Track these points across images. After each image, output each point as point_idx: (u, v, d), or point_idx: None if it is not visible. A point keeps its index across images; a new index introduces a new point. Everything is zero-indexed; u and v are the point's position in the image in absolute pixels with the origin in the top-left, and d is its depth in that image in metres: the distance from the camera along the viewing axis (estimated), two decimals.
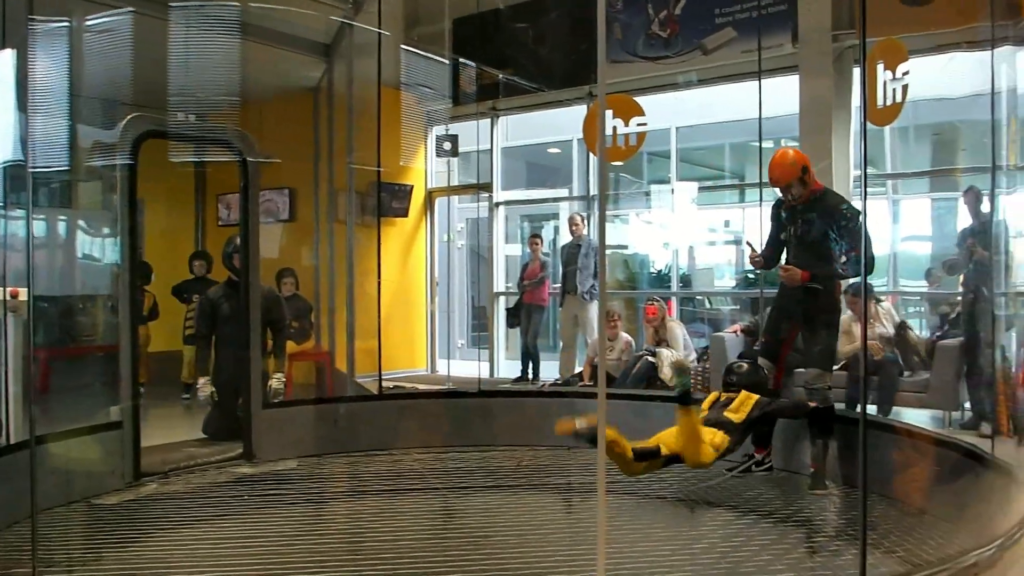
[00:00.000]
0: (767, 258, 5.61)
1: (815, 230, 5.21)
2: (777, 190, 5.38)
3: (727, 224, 11.02)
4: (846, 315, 6.64)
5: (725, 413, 5.05)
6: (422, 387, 8.45)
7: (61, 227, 9.37)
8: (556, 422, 4.41)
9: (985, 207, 6.56)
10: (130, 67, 5.88)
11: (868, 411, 6.20)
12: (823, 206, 5.22)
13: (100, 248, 9.18)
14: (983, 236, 6.47)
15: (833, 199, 5.31)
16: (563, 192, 11.39)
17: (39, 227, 8.70)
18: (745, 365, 5.35)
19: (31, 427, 4.08)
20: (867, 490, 3.94)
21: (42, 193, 8.47)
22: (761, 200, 6.85)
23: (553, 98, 9.87)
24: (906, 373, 7.09)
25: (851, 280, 6.64)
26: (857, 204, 5.40)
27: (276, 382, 6.52)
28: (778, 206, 5.51)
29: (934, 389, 6.82)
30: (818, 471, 5.15)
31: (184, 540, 4.49)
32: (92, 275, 8.95)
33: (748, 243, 5.72)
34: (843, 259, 5.12)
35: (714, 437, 4.86)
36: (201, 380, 6.40)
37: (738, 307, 10.11)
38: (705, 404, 5.21)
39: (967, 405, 6.87)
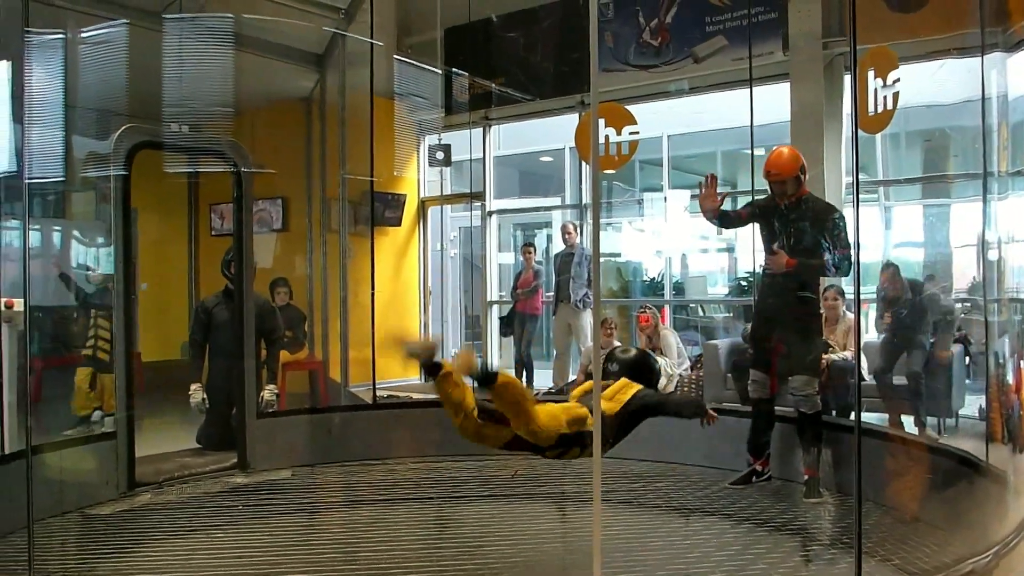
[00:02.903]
0: (726, 213, 5.57)
1: (808, 238, 5.24)
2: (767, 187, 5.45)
3: (719, 232, 11.03)
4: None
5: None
6: (416, 396, 8.44)
7: (56, 237, 9.34)
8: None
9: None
10: (124, 78, 5.89)
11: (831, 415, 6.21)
12: (814, 212, 5.28)
13: (94, 258, 9.13)
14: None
15: (823, 205, 5.42)
16: (556, 201, 11.42)
17: (34, 237, 8.67)
18: (633, 351, 4.69)
19: (27, 437, 4.06)
20: (861, 498, 3.96)
21: (36, 203, 8.43)
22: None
23: (545, 107, 9.88)
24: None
25: (829, 281, 6.70)
26: (848, 211, 5.45)
27: (269, 394, 6.50)
28: (763, 211, 5.54)
29: (926, 396, 6.83)
30: (812, 479, 5.16)
31: (178, 550, 4.48)
32: (86, 285, 8.91)
33: (711, 176, 5.46)
34: (828, 257, 5.18)
35: (572, 409, 4.09)
36: (193, 387, 6.37)
37: (731, 314, 10.13)
38: (577, 391, 4.58)
39: (962, 412, 6.90)
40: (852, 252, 4.93)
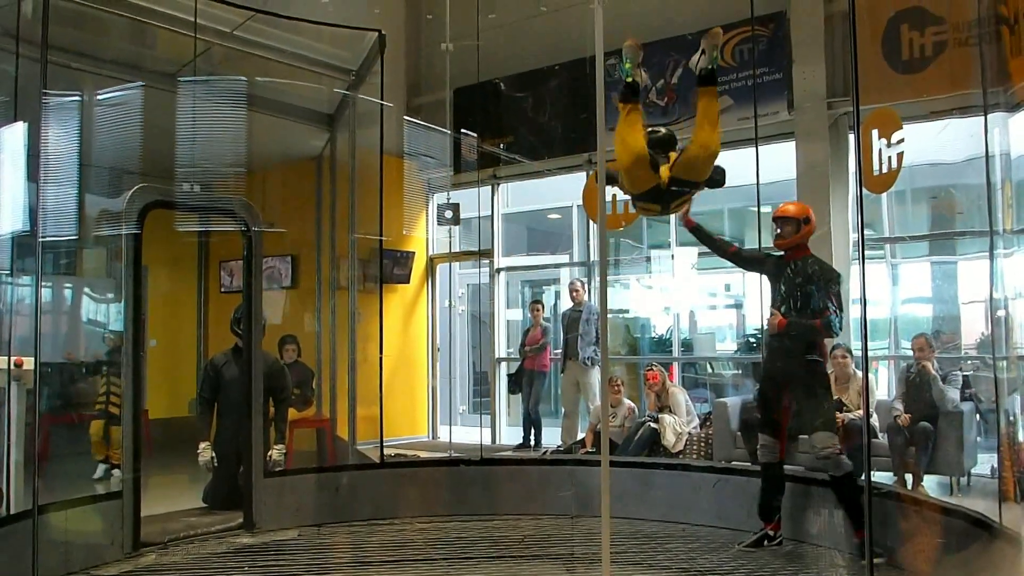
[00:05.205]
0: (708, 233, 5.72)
1: (806, 298, 5.28)
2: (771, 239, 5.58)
3: (728, 288, 11.04)
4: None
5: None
6: (424, 455, 8.40)
7: (67, 294, 9.39)
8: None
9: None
10: (139, 138, 5.98)
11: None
12: (815, 270, 5.35)
13: (105, 314, 9.17)
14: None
15: (824, 265, 5.47)
16: (563, 258, 11.45)
17: (44, 294, 8.72)
18: (661, 130, 4.72)
19: (34, 498, 4.05)
20: (873, 558, 3.90)
21: (47, 260, 8.48)
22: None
23: (553, 165, 9.98)
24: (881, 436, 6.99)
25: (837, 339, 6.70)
26: (854, 268, 5.49)
27: (277, 453, 6.48)
28: (765, 264, 5.68)
29: (939, 454, 6.76)
30: (862, 541, 5.02)
31: None
32: (95, 342, 8.94)
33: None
34: (823, 316, 5.24)
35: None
36: (201, 445, 6.35)
37: (740, 372, 10.08)
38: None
39: (974, 471, 6.82)
40: (843, 313, 5.28)
